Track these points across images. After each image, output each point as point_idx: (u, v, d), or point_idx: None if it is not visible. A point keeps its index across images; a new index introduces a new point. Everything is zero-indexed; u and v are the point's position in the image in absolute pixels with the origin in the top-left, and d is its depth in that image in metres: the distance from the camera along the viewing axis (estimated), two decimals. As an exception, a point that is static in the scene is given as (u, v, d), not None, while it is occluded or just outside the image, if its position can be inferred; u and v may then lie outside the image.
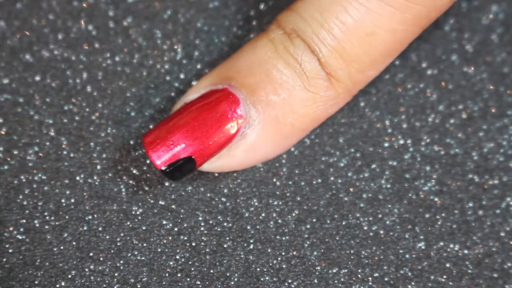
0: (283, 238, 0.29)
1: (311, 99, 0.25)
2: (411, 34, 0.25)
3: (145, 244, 0.29)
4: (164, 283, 0.29)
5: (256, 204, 0.29)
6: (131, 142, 0.29)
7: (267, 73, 0.25)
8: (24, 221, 0.28)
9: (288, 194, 0.29)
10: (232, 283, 0.29)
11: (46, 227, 0.28)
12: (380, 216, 0.30)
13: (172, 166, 0.25)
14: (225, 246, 0.29)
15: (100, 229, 0.29)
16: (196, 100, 0.26)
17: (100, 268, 0.28)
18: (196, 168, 0.26)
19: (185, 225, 0.29)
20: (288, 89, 0.25)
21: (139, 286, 0.28)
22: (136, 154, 0.29)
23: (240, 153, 0.26)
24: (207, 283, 0.29)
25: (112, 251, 0.29)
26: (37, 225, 0.28)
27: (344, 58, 0.25)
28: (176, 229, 0.29)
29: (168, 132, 0.25)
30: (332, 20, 0.24)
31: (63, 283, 0.28)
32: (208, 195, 0.29)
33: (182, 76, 0.30)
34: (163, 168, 0.25)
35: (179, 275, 0.29)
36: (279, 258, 0.29)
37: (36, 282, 0.28)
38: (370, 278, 0.29)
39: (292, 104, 0.25)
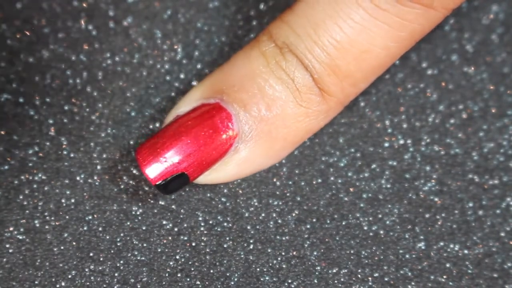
0: (283, 238, 0.29)
1: (303, 114, 0.25)
2: (404, 50, 0.25)
3: (145, 244, 0.29)
4: (164, 283, 0.29)
5: (256, 204, 0.29)
6: (131, 142, 0.29)
7: (259, 88, 0.25)
8: (24, 221, 0.28)
9: (288, 194, 0.29)
10: (232, 283, 0.29)
11: (46, 227, 0.28)
12: (380, 216, 0.30)
13: (166, 181, 0.26)
14: (225, 246, 0.29)
15: (100, 229, 0.29)
16: (188, 114, 0.26)
17: (100, 268, 0.28)
18: (189, 182, 0.26)
19: (185, 225, 0.29)
20: (280, 105, 0.25)
21: (139, 286, 0.28)
22: (136, 154, 0.29)
23: (232, 167, 0.26)
24: (207, 283, 0.29)
25: (112, 251, 0.29)
26: (37, 225, 0.28)
27: (338, 75, 0.25)
28: (176, 229, 0.29)
29: (161, 148, 0.25)
30: (326, 37, 0.24)
31: (63, 283, 0.28)
32: (208, 195, 0.29)
33: (182, 76, 0.30)
34: (157, 183, 0.25)
35: (179, 275, 0.29)
36: (279, 258, 0.29)
37: (36, 282, 0.28)
38: (370, 278, 0.29)
39: (284, 119, 0.25)
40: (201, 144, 0.25)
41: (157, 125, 0.29)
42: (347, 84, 0.25)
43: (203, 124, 0.25)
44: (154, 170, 0.25)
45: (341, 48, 0.24)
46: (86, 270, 0.28)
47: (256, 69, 0.25)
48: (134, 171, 0.29)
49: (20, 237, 0.28)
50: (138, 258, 0.29)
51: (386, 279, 0.29)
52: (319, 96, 0.25)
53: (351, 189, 0.30)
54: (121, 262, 0.29)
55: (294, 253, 0.29)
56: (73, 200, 0.29)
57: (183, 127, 0.26)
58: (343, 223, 0.29)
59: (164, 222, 0.29)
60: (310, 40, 0.24)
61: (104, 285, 0.28)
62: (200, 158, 0.25)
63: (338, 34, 0.24)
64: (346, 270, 0.29)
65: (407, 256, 0.29)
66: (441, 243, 0.29)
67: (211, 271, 0.29)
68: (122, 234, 0.29)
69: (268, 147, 0.26)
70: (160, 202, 0.29)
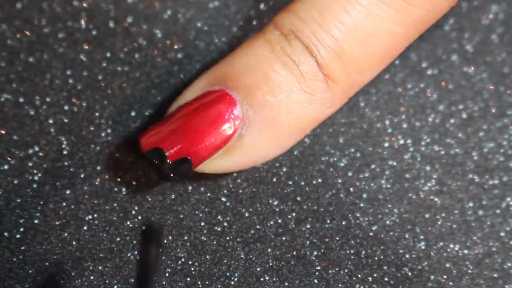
0: (283, 238, 0.29)
1: (308, 100, 0.25)
2: (410, 37, 0.25)
3: (145, 244, 0.29)
4: (164, 283, 0.29)
5: (256, 204, 0.29)
6: (131, 142, 0.29)
7: (264, 74, 0.25)
8: (24, 221, 0.28)
9: (288, 194, 0.29)
10: (232, 283, 0.29)
11: (46, 227, 0.28)
12: (380, 216, 0.30)
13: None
14: (225, 246, 0.29)
15: (100, 229, 0.29)
16: (192, 101, 0.26)
17: (100, 268, 0.28)
18: (192, 169, 0.26)
19: (185, 225, 0.29)
20: (285, 90, 0.25)
21: (139, 286, 0.28)
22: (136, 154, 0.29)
23: (236, 154, 0.26)
24: (207, 283, 0.29)
25: (112, 251, 0.29)
26: (37, 225, 0.28)
27: (343, 60, 0.25)
28: (176, 229, 0.29)
29: (165, 133, 0.25)
30: (332, 20, 0.24)
31: (63, 283, 0.28)
32: (208, 195, 0.29)
33: (182, 76, 0.30)
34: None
35: (179, 275, 0.29)
36: (279, 258, 0.29)
37: (36, 282, 0.28)
38: (370, 278, 0.29)
39: (289, 105, 0.25)
40: (205, 129, 0.25)
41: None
42: (352, 70, 0.25)
43: (208, 110, 0.25)
44: (156, 156, 0.25)
45: (346, 30, 0.24)
46: (86, 270, 0.28)
47: (261, 56, 0.25)
48: (134, 171, 0.29)
49: (20, 237, 0.28)
50: (138, 258, 0.29)
51: (386, 279, 0.29)
52: (324, 83, 0.25)
53: (351, 189, 0.30)
54: (121, 262, 0.29)
55: (294, 253, 0.29)
56: (73, 200, 0.29)
57: (188, 113, 0.26)
58: (343, 223, 0.29)
59: (165, 222, 0.29)
60: (316, 24, 0.24)
61: (104, 285, 0.28)
62: (203, 143, 0.25)
63: (343, 16, 0.24)
64: (346, 270, 0.29)
65: (407, 256, 0.29)
66: (441, 243, 0.30)
67: (211, 271, 0.29)
68: (122, 234, 0.29)
69: (272, 133, 0.26)
70: (160, 202, 0.29)
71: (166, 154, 0.25)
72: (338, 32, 0.24)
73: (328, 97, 0.26)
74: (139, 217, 0.29)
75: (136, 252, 0.29)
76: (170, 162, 0.25)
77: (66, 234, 0.29)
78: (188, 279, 0.29)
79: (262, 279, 0.29)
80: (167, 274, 0.29)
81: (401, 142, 0.30)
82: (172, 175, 0.26)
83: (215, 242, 0.29)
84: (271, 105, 0.25)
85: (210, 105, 0.26)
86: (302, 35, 0.25)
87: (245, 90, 0.25)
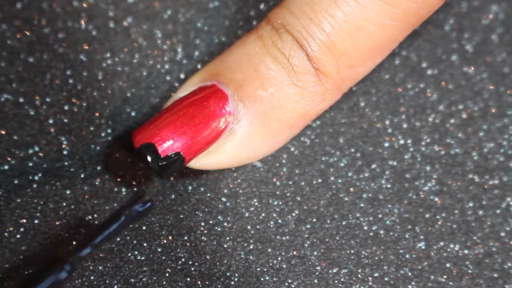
0: (283, 238, 0.29)
1: (299, 94, 0.26)
2: (401, 31, 0.25)
3: (145, 244, 0.29)
4: (164, 283, 0.29)
5: (256, 204, 0.29)
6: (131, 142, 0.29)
7: (254, 68, 0.25)
8: (24, 221, 0.28)
9: (288, 194, 0.29)
10: (232, 283, 0.29)
11: (46, 227, 0.29)
12: (380, 216, 0.30)
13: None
14: (225, 246, 0.29)
15: (100, 229, 0.29)
16: (185, 96, 0.26)
17: (100, 268, 0.28)
18: (184, 164, 0.26)
19: (185, 225, 0.29)
20: (275, 84, 0.25)
21: (139, 286, 0.28)
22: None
23: (228, 149, 0.26)
24: (207, 283, 0.29)
25: (112, 251, 0.29)
26: (37, 225, 0.28)
27: (333, 53, 0.25)
28: (176, 229, 0.29)
29: (157, 129, 0.26)
30: (322, 14, 0.24)
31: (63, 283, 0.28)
32: (208, 195, 0.29)
33: (182, 76, 0.30)
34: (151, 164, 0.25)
35: (179, 275, 0.29)
36: (279, 258, 0.29)
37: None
38: (370, 278, 0.29)
39: (280, 99, 0.25)
40: (196, 124, 0.25)
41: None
42: (343, 65, 0.25)
43: (199, 105, 0.26)
44: (148, 151, 0.25)
45: (336, 24, 0.24)
46: (86, 270, 0.28)
47: (252, 51, 0.26)
48: (134, 171, 0.29)
49: (20, 237, 0.28)
50: (138, 258, 0.29)
51: (386, 279, 0.29)
52: (315, 76, 0.25)
53: (351, 189, 0.30)
54: (121, 262, 0.29)
55: (294, 253, 0.29)
56: (73, 200, 0.29)
57: (179, 108, 0.26)
58: (343, 223, 0.29)
59: (165, 222, 0.29)
60: (306, 17, 0.25)
61: (104, 285, 0.28)
62: (195, 138, 0.25)
63: (333, 9, 0.24)
64: (346, 270, 0.29)
65: (407, 256, 0.29)
66: (441, 243, 0.30)
67: (211, 271, 0.29)
68: (122, 234, 0.29)
69: (264, 128, 0.26)
70: (160, 202, 0.29)
71: (157, 149, 0.25)
72: (329, 25, 0.24)
73: (319, 91, 0.26)
74: (139, 217, 0.29)
75: (136, 252, 0.29)
76: (162, 157, 0.25)
77: (66, 235, 0.29)
78: (188, 279, 0.29)
79: (262, 279, 0.29)
80: (167, 274, 0.29)
81: (401, 142, 0.30)
82: (163, 170, 0.25)
83: (215, 242, 0.29)
84: (262, 99, 0.25)
85: (202, 100, 0.26)
86: (293, 28, 0.25)
87: (236, 85, 0.26)
